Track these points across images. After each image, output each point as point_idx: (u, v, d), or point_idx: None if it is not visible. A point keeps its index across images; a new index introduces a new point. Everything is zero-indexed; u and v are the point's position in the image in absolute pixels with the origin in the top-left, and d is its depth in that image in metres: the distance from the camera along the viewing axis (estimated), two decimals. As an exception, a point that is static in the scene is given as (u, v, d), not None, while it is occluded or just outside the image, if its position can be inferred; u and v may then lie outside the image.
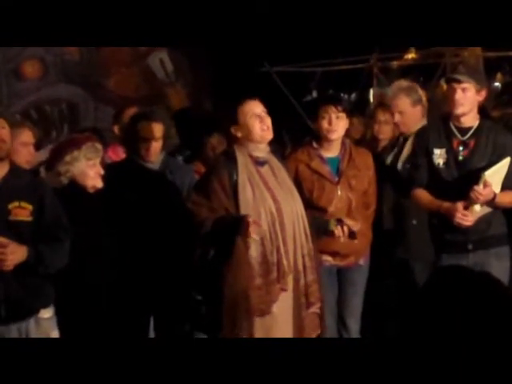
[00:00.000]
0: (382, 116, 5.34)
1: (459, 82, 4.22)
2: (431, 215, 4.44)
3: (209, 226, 3.98)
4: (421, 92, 5.08)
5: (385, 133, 5.33)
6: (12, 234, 3.54)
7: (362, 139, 5.74)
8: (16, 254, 3.50)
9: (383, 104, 5.51)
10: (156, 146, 4.53)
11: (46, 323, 3.76)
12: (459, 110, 4.25)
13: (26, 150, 4.48)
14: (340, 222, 4.42)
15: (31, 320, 3.70)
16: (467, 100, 4.24)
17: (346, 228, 4.40)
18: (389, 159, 5.09)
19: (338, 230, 4.40)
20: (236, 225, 3.91)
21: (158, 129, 4.54)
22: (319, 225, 4.40)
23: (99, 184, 4.07)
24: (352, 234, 4.43)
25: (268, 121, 4.12)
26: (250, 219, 3.89)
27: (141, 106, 6.00)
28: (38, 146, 4.81)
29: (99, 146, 4.10)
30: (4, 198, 3.60)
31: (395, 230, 4.94)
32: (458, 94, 4.22)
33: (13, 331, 3.64)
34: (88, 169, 4.02)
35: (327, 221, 4.44)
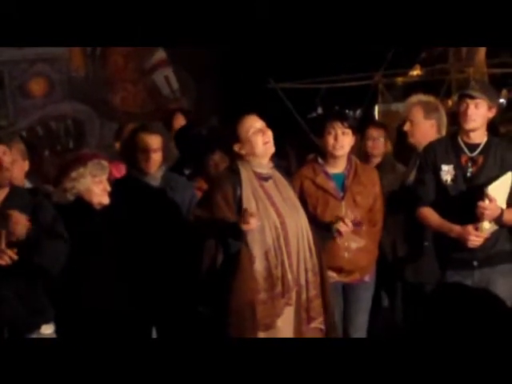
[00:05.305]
0: (375, 132, 5.37)
1: (473, 97, 4.23)
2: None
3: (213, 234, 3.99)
4: (441, 109, 5.02)
5: (378, 148, 5.34)
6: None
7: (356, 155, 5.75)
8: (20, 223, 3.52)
9: (375, 121, 5.54)
10: (155, 157, 4.52)
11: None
12: (470, 125, 4.25)
13: (17, 164, 4.46)
14: (340, 218, 4.39)
15: (33, 336, 3.69)
16: (479, 116, 4.24)
17: (347, 221, 4.38)
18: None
19: (342, 227, 4.36)
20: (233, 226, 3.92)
21: (156, 140, 4.54)
22: (324, 231, 4.38)
23: (105, 201, 4.09)
24: (357, 223, 4.45)
25: (269, 134, 4.14)
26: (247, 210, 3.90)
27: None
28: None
29: (105, 163, 4.12)
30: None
31: (407, 252, 4.89)
32: (471, 110, 4.22)
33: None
34: (94, 185, 4.04)
35: (329, 224, 4.41)
